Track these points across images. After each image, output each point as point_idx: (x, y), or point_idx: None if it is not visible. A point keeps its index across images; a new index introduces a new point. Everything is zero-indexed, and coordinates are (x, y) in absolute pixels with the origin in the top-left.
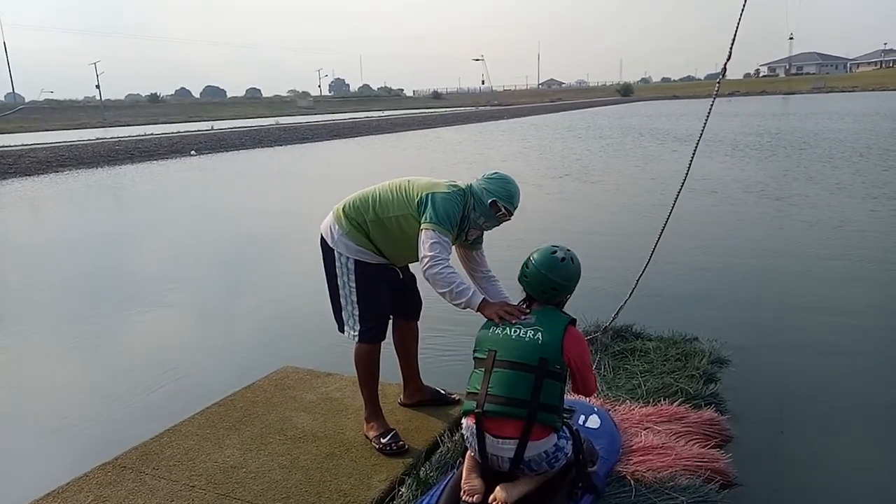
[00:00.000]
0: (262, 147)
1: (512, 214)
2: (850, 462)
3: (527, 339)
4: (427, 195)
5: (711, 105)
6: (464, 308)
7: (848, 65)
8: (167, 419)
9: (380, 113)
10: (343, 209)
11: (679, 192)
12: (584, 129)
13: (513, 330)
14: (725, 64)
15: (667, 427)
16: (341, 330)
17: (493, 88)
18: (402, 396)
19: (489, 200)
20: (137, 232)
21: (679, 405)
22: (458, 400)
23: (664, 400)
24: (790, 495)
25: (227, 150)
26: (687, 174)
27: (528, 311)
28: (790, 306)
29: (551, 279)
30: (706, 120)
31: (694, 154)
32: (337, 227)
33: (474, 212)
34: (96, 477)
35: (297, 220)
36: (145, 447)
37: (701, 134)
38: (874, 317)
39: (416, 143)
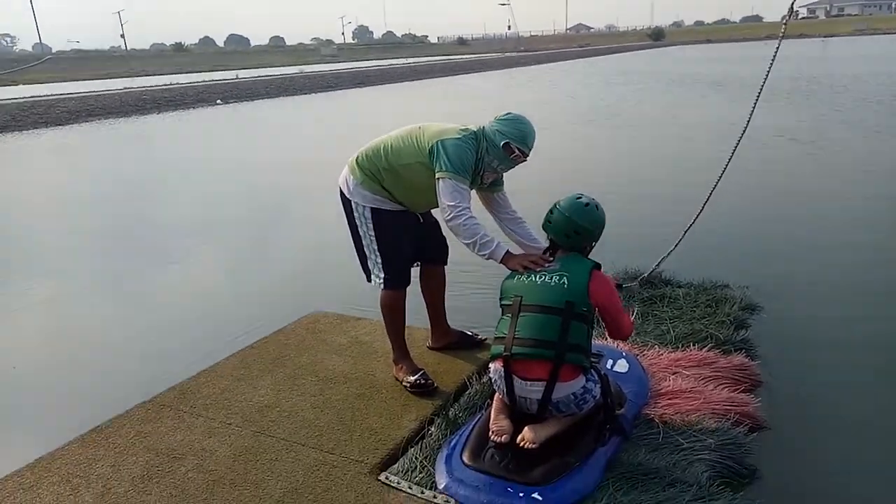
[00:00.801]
0: (287, 95)
1: (527, 156)
2: (882, 407)
3: (552, 283)
4: (437, 143)
5: (777, 49)
6: (487, 259)
7: (893, 4)
8: (203, 361)
9: (404, 60)
10: (357, 160)
11: (737, 144)
12: (613, 75)
13: (538, 276)
14: (791, 7)
15: (696, 372)
16: (369, 279)
17: (520, 34)
18: (429, 340)
19: (502, 142)
20: (168, 180)
21: (708, 350)
22: (485, 340)
23: (693, 345)
24: (819, 439)
25: (252, 99)
26: (747, 125)
27: (551, 258)
28: (822, 251)
29: (576, 222)
30: (770, 66)
31: (755, 104)
32: (352, 178)
33: (488, 155)
34: (137, 414)
35: (324, 169)
36: (182, 387)
37: (764, 81)
38: None
39: (441, 91)
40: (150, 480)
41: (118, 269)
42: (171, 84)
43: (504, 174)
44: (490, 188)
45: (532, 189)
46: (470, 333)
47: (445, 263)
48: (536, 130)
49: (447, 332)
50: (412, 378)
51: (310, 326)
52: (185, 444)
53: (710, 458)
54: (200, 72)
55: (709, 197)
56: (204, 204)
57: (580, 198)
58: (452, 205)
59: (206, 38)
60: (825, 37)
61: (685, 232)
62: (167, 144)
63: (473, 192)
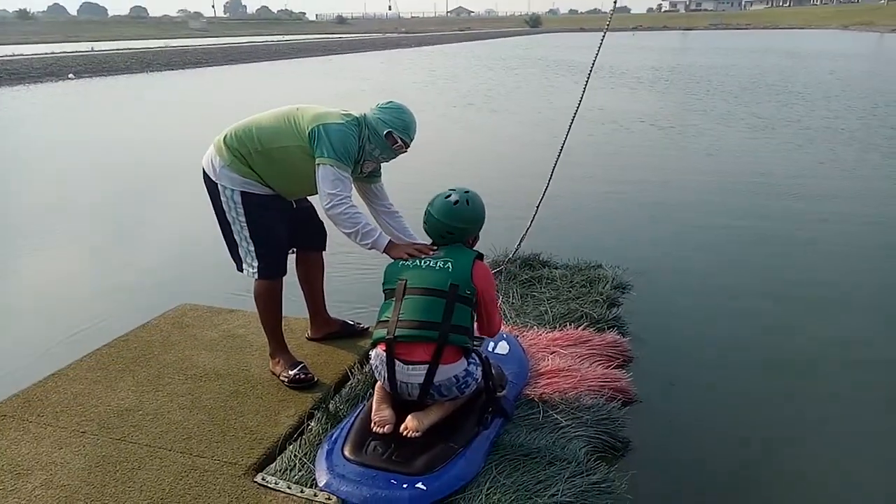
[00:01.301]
0: (150, 71)
1: (408, 146)
2: (741, 377)
3: (437, 268)
4: (319, 127)
5: (601, 40)
6: (370, 249)
7: (742, 2)
8: (52, 363)
9: (280, 37)
10: (224, 139)
11: (571, 123)
12: (492, 60)
13: (423, 262)
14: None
15: (572, 350)
16: (240, 269)
17: (401, 15)
18: (309, 331)
19: (384, 131)
20: (14, 161)
21: (584, 329)
22: (368, 329)
23: (570, 325)
24: (686, 410)
25: (110, 74)
26: (578, 106)
27: (435, 248)
28: (685, 229)
29: (448, 224)
30: (596, 55)
31: (585, 87)
32: (218, 159)
33: (369, 143)
34: None
35: (189, 150)
36: (27, 394)
37: (591, 68)
38: (766, 231)
39: (318, 70)
40: None
41: None
42: (14, 55)
43: (381, 164)
44: (368, 178)
45: (407, 173)
46: (352, 323)
47: (324, 249)
48: (416, 113)
49: (328, 322)
50: (291, 372)
51: (176, 320)
52: (32, 458)
53: (587, 434)
54: (50, 42)
55: (551, 175)
56: (53, 188)
57: (449, 196)
58: (333, 193)
59: (56, 5)
60: (685, 29)
61: (536, 210)
62: (12, 120)
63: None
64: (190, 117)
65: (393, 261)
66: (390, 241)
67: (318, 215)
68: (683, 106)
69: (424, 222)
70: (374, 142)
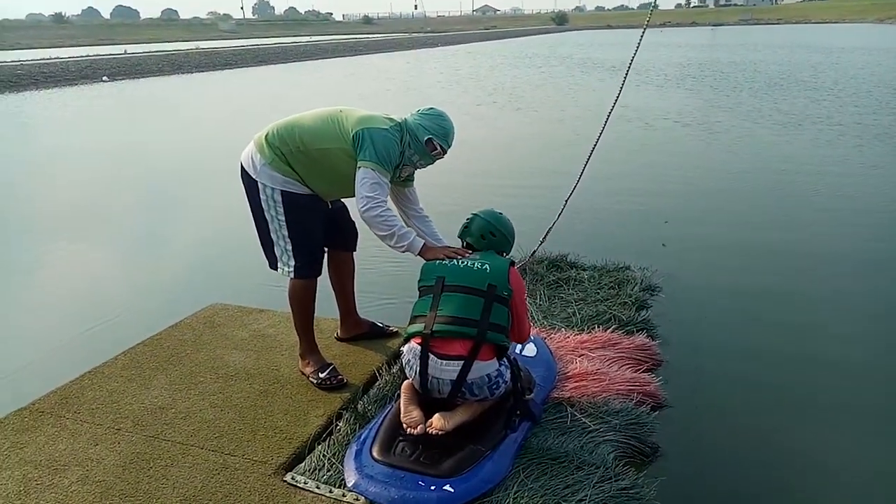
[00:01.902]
0: (181, 73)
1: (445, 153)
2: (774, 380)
3: (475, 268)
4: (364, 131)
5: (641, 37)
6: (404, 251)
7: None
8: (88, 361)
9: (308, 38)
10: (266, 137)
11: (604, 125)
12: (519, 59)
13: (460, 262)
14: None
15: (601, 353)
16: (273, 267)
17: (427, 14)
18: (338, 331)
19: (425, 138)
20: (51, 164)
21: (612, 332)
22: (397, 332)
23: (598, 327)
24: (716, 415)
25: (142, 76)
26: (613, 106)
27: (471, 252)
28: (715, 230)
29: (493, 224)
30: (635, 52)
31: (622, 87)
32: (259, 156)
33: (409, 149)
34: (11, 423)
35: (221, 151)
36: (65, 391)
37: (629, 66)
38: (793, 231)
39: (346, 70)
40: (29, 496)
41: None
42: (50, 58)
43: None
44: (402, 182)
45: (430, 172)
46: (381, 325)
47: (354, 250)
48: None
49: (358, 323)
50: (321, 375)
51: (208, 320)
52: (68, 454)
53: (616, 438)
54: (84, 45)
55: (580, 175)
56: (90, 190)
57: (494, 209)
58: (371, 195)
59: (90, 8)
60: (714, 25)
61: (562, 208)
62: (48, 124)
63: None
64: (221, 118)
65: (428, 262)
66: (425, 243)
67: (350, 216)
68: (711, 103)
69: (466, 226)
70: (413, 147)
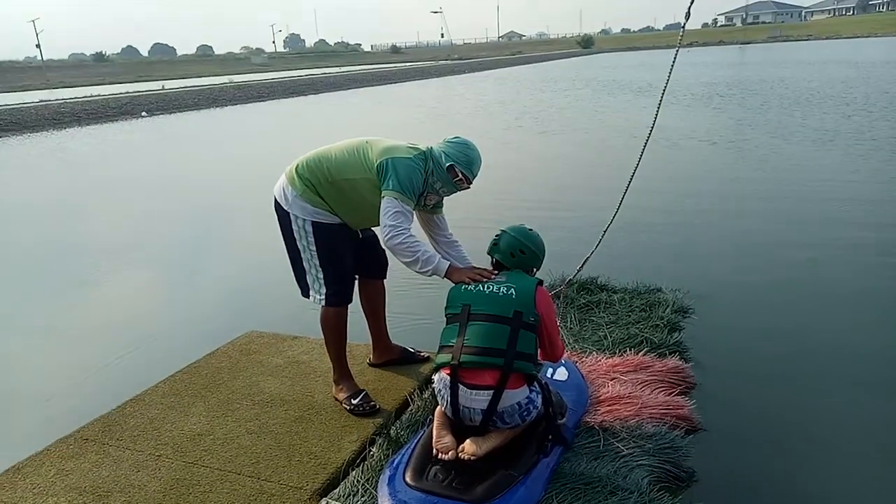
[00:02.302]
0: (216, 107)
1: (471, 182)
2: (809, 404)
3: (500, 294)
4: (388, 161)
5: (674, 58)
6: (430, 275)
7: (802, 13)
8: (129, 390)
9: (337, 69)
10: (296, 169)
11: (644, 147)
12: (543, 82)
13: (486, 287)
14: (687, 13)
15: (633, 377)
16: (306, 295)
17: (453, 42)
18: (371, 357)
19: (447, 164)
20: (92, 198)
21: (644, 355)
22: (428, 358)
23: (630, 350)
24: (752, 438)
25: (180, 111)
26: (652, 129)
27: (497, 273)
28: (748, 252)
29: (522, 241)
30: (669, 74)
31: (658, 108)
32: (290, 188)
33: (432, 176)
34: (57, 450)
35: (256, 184)
36: (107, 418)
37: (665, 87)
38: (828, 254)
39: (376, 99)
40: None
41: (39, 293)
42: (91, 96)
43: (443, 197)
44: (430, 210)
45: (459, 197)
46: (412, 350)
47: (384, 277)
48: (467, 138)
49: (389, 349)
50: (354, 402)
51: (243, 348)
52: (112, 480)
53: (650, 463)
54: (123, 83)
55: (622, 199)
56: (130, 223)
57: (523, 225)
58: (393, 224)
59: (129, 47)
60: (742, 43)
61: (603, 235)
62: (88, 160)
63: (414, 214)
64: (254, 152)
65: (454, 286)
66: (451, 265)
67: (380, 244)
68: (740, 122)
69: (495, 243)
70: (437, 175)
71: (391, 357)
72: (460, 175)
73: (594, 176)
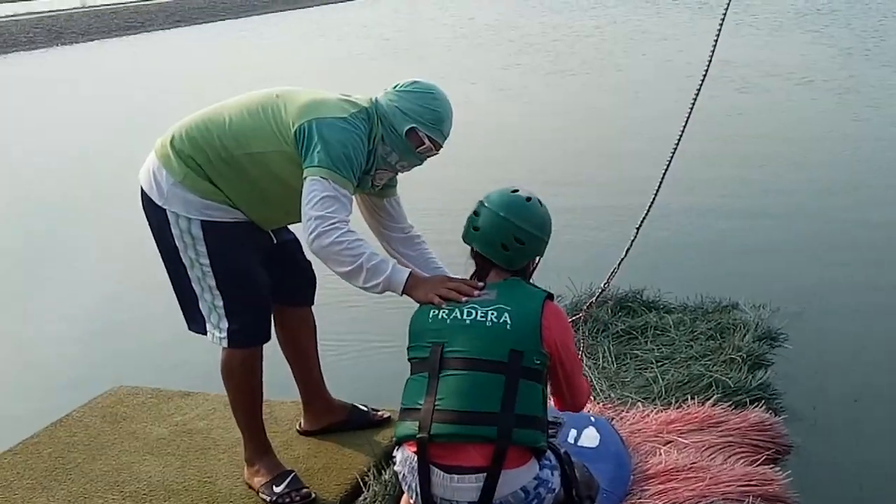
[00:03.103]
0: (61, 44)
1: (440, 147)
2: None
3: (488, 323)
4: (311, 124)
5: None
6: (381, 292)
7: None
8: None
9: None
10: (172, 142)
11: (697, 94)
12: None
13: (465, 311)
14: None
15: (698, 438)
16: (198, 330)
17: None
18: (301, 421)
19: (406, 128)
20: None
21: (714, 405)
22: (388, 418)
23: (692, 398)
24: None
25: (4, 52)
26: (708, 66)
27: (481, 284)
28: (868, 249)
29: (517, 225)
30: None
31: (718, 35)
32: (165, 172)
33: (383, 145)
34: None
35: (125, 165)
36: None
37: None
38: None
39: (304, 28)
40: None
41: None
42: None
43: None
44: (378, 192)
45: (429, 177)
46: (365, 408)
47: (311, 303)
48: (445, 84)
49: (329, 408)
50: (277, 490)
51: (109, 411)
52: None
53: None
54: None
55: (665, 172)
56: None
57: (517, 191)
58: (322, 216)
59: None
60: None
61: (639, 225)
62: None
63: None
64: (125, 114)
65: (420, 308)
66: (412, 273)
67: (304, 254)
68: (852, 54)
69: (472, 228)
70: (390, 143)
71: (333, 420)
72: (427, 141)
73: (633, 138)
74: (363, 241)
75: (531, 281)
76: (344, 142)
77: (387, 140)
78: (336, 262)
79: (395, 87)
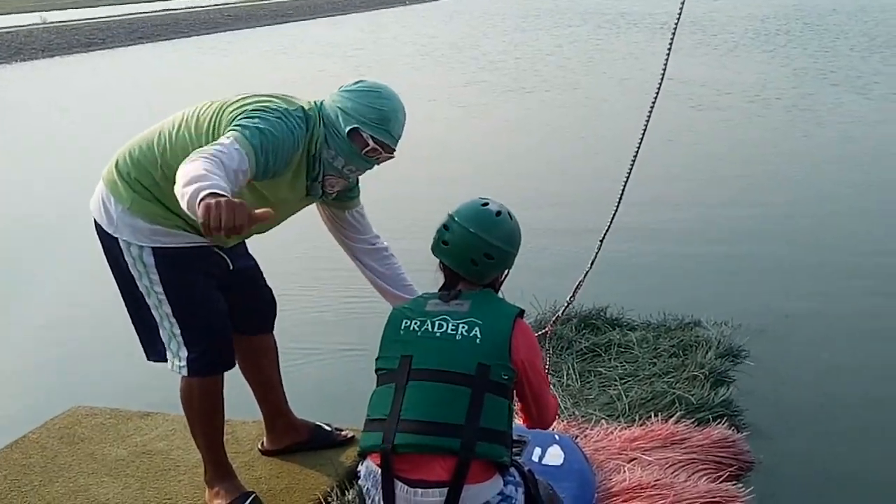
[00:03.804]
0: (20, 60)
1: (392, 150)
2: None
3: (458, 336)
4: (240, 108)
5: None
6: (188, 209)
7: None
8: None
9: (208, 2)
10: (116, 166)
11: (651, 111)
12: (524, 18)
13: (437, 324)
14: None
15: (661, 455)
16: (159, 359)
17: None
18: (264, 440)
19: (348, 128)
20: None
21: (677, 422)
22: (352, 438)
23: (655, 415)
24: None
25: None
26: (661, 83)
27: (451, 292)
28: (826, 266)
29: (486, 241)
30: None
31: (668, 58)
32: (113, 199)
33: (327, 148)
34: None
35: (87, 181)
36: None
37: (678, 18)
38: None
39: (267, 45)
40: None
41: None
42: None
43: (357, 179)
44: (338, 201)
45: (391, 191)
46: (328, 427)
47: (271, 329)
48: (409, 103)
49: (291, 427)
50: None
51: (66, 432)
52: None
53: None
54: None
55: (623, 189)
56: None
57: (487, 204)
58: (204, 156)
59: None
60: None
61: (601, 242)
62: None
63: (316, 212)
64: (81, 136)
65: (392, 317)
66: (215, 186)
67: (264, 280)
68: (804, 72)
69: (441, 243)
70: (333, 145)
71: (296, 439)
72: (371, 142)
73: (593, 154)
74: (214, 173)
75: (499, 291)
76: (273, 128)
77: (330, 143)
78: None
79: (340, 88)
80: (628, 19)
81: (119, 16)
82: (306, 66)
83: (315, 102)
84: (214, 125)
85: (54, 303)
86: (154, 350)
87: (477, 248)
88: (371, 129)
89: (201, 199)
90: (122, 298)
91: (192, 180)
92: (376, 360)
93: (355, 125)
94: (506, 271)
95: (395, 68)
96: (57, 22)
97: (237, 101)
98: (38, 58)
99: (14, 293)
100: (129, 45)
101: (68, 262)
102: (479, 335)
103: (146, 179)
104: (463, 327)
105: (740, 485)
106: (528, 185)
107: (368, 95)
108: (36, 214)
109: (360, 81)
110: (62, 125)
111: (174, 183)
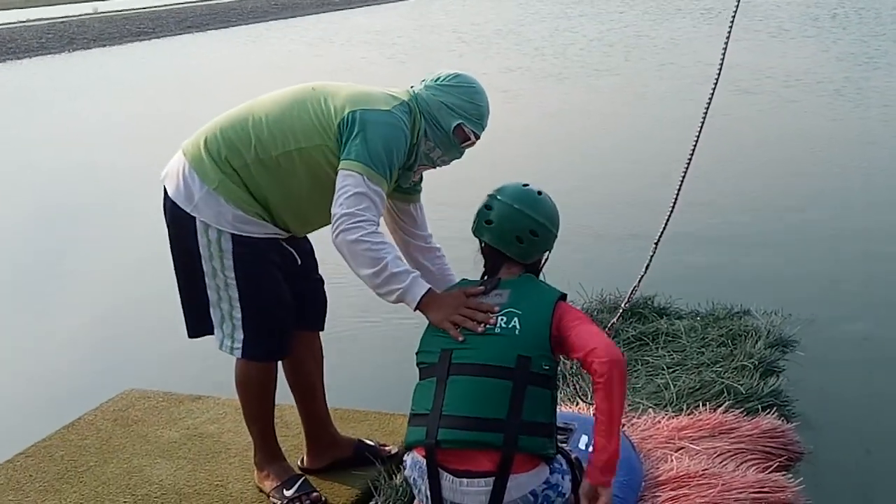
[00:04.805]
0: (73, 49)
1: (478, 139)
2: None
3: (497, 329)
4: (354, 112)
5: None
6: (395, 301)
7: None
8: None
9: None
10: (205, 144)
11: (709, 102)
12: (569, 4)
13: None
14: None
15: (709, 445)
16: (200, 333)
17: None
18: (304, 457)
19: (454, 124)
20: None
21: (726, 412)
22: (396, 454)
23: (703, 405)
24: None
25: (15, 57)
26: (720, 71)
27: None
28: (879, 259)
29: (532, 217)
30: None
31: (726, 46)
32: (197, 177)
33: (426, 140)
34: None
35: (140, 170)
36: None
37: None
38: None
39: (310, 36)
40: None
41: None
42: None
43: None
44: (406, 193)
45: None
46: (371, 443)
47: (322, 328)
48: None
49: (334, 443)
50: (287, 493)
51: (120, 414)
52: None
53: None
54: None
55: (682, 179)
56: None
57: (528, 185)
58: (349, 213)
59: None
60: None
61: (656, 244)
62: None
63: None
64: (135, 120)
65: None
66: (430, 290)
67: (318, 272)
68: (858, 59)
69: (485, 222)
70: (433, 137)
71: (338, 456)
72: (472, 137)
73: (639, 144)
74: (388, 245)
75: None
76: (386, 137)
77: (430, 135)
78: (357, 262)
79: (435, 80)
80: (675, 6)
81: (169, 5)
82: (350, 54)
83: (411, 92)
84: (318, 115)
85: (108, 288)
86: (201, 327)
87: (523, 225)
88: (472, 123)
89: (423, 300)
90: (174, 272)
91: (394, 276)
92: (417, 353)
93: (460, 121)
94: (546, 254)
95: (437, 57)
96: (109, 11)
97: (350, 95)
98: (91, 47)
99: (68, 278)
100: (178, 35)
101: (125, 245)
102: (518, 325)
103: (237, 160)
104: (502, 319)
105: (789, 475)
106: (563, 174)
107: (468, 92)
108: (91, 199)
109: (458, 76)
110: (121, 115)
111: (272, 168)
